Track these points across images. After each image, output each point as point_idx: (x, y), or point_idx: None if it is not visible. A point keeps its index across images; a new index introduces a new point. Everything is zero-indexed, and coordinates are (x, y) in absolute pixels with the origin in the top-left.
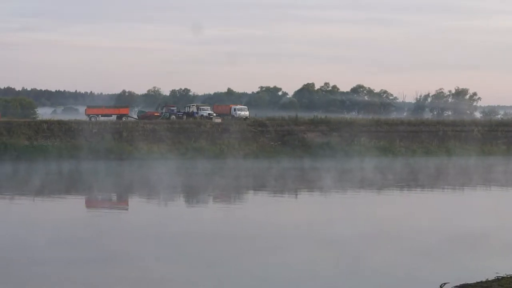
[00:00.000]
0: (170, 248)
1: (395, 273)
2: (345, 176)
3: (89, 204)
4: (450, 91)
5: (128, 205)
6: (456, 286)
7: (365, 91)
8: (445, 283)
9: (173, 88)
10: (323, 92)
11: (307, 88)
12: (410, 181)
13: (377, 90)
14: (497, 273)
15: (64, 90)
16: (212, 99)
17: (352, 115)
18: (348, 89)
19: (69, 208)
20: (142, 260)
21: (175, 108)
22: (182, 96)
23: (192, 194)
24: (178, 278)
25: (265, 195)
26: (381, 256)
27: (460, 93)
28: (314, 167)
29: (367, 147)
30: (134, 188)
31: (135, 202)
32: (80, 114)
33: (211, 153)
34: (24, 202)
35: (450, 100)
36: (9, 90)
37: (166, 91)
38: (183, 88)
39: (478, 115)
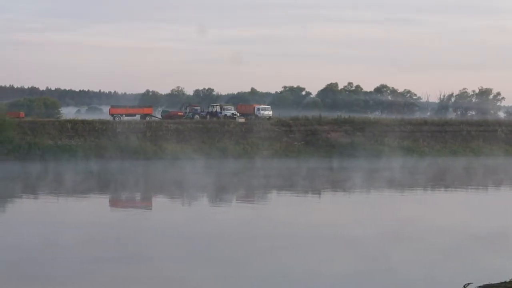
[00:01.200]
0: (195, 247)
1: (418, 273)
2: (371, 176)
3: (114, 204)
4: (473, 91)
5: (151, 205)
6: (480, 286)
7: (388, 91)
8: (468, 283)
9: (197, 88)
10: (347, 92)
11: (331, 88)
12: (437, 181)
13: (400, 90)
14: None
15: (88, 90)
16: (236, 99)
17: (375, 115)
18: (372, 89)
19: (94, 208)
20: (167, 259)
21: (199, 107)
22: (205, 96)
23: (219, 193)
24: (199, 277)
25: (293, 194)
26: (404, 255)
27: (483, 93)
28: (339, 167)
29: (391, 147)
30: (159, 188)
31: (160, 202)
32: (104, 113)
33: (235, 153)
34: (48, 202)
35: (473, 100)
36: (33, 90)
37: (189, 91)
38: (206, 88)
39: (502, 115)
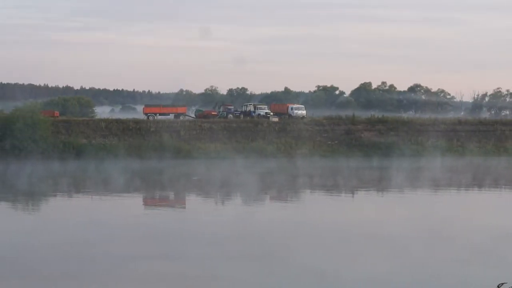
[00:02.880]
0: (227, 247)
1: (452, 273)
2: (408, 175)
3: (149, 203)
4: (508, 91)
5: (186, 204)
6: None
7: (422, 90)
8: (502, 283)
9: (230, 87)
10: (380, 91)
11: (364, 87)
12: (473, 181)
13: (434, 89)
14: None
15: (122, 89)
16: (269, 98)
17: (409, 115)
18: (405, 88)
19: (129, 207)
20: (200, 258)
21: (232, 107)
22: (239, 95)
23: (264, 192)
24: (232, 275)
25: (335, 194)
26: (437, 256)
27: None
28: (374, 166)
29: (425, 147)
30: (204, 187)
31: (198, 201)
32: (138, 113)
33: (268, 152)
34: (83, 200)
35: (508, 99)
36: (67, 89)
37: (223, 90)
38: (240, 87)
39: None
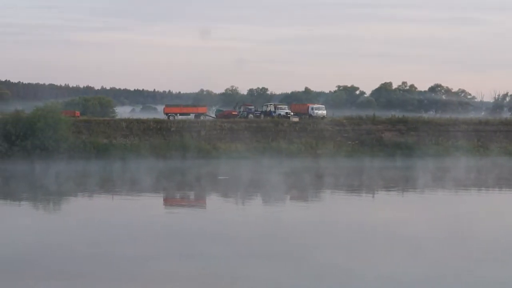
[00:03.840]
0: (250, 246)
1: (476, 274)
2: (431, 175)
3: (178, 202)
4: None
5: (217, 204)
6: None
7: (443, 90)
8: None
9: (251, 87)
10: (401, 91)
11: (385, 87)
12: (497, 180)
13: (455, 89)
14: None
15: (143, 89)
16: (290, 98)
17: (429, 115)
18: (426, 88)
19: (159, 206)
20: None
21: (253, 107)
22: (259, 95)
23: (287, 192)
24: (255, 275)
25: (360, 193)
26: (462, 256)
27: None
28: (396, 166)
29: (445, 147)
30: (232, 187)
31: (229, 200)
32: (158, 113)
33: (289, 152)
34: (104, 200)
35: None
36: (88, 89)
37: (243, 90)
38: (260, 87)
39: None
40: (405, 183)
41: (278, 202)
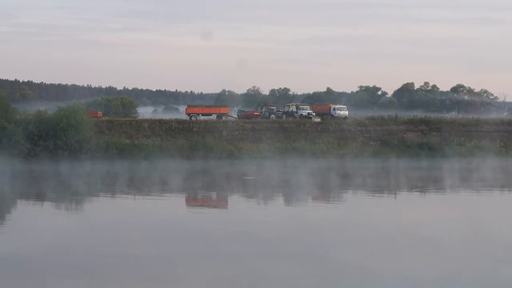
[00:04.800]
0: (273, 247)
1: (496, 274)
2: (455, 176)
3: (200, 203)
4: None
5: (248, 204)
6: None
7: (465, 91)
8: None
9: (273, 88)
10: (423, 92)
11: (407, 88)
12: None
13: (477, 89)
14: None
15: (165, 90)
16: (311, 99)
17: (452, 115)
18: (448, 89)
19: (174, 206)
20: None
21: (275, 107)
22: (281, 96)
23: (314, 192)
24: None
25: (386, 194)
26: (483, 256)
27: None
28: (417, 167)
29: (468, 147)
30: (253, 187)
31: (253, 201)
32: (180, 113)
33: (310, 152)
34: (132, 200)
35: None
36: (110, 90)
37: (265, 91)
38: (282, 88)
39: None
40: (430, 183)
41: (305, 202)
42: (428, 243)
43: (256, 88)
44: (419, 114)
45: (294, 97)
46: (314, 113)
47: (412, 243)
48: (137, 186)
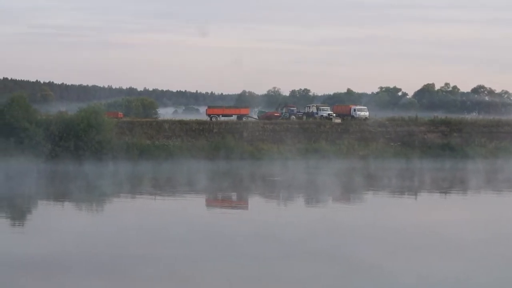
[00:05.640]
0: (295, 246)
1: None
2: (479, 177)
3: (212, 204)
4: None
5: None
6: None
7: (486, 92)
8: None
9: (293, 88)
10: (443, 93)
11: (427, 89)
12: None
13: (498, 90)
14: None
15: (185, 91)
16: (332, 99)
17: (472, 116)
18: (469, 90)
19: (195, 207)
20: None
21: (295, 108)
22: (302, 96)
23: (340, 193)
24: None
25: (402, 195)
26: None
27: None
28: (441, 168)
29: (488, 148)
30: (280, 188)
31: (292, 200)
32: (201, 114)
33: (331, 153)
34: (152, 201)
35: None
36: (131, 90)
37: (286, 91)
38: (303, 88)
39: None
40: (452, 184)
41: (332, 203)
42: (449, 244)
43: (276, 89)
44: (439, 115)
45: (315, 98)
46: (334, 114)
47: (434, 244)
48: (162, 186)
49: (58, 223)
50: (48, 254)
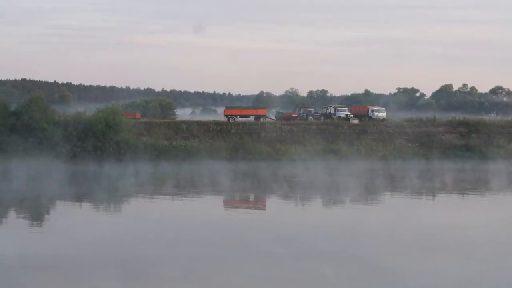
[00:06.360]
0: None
1: None
2: (499, 178)
3: (234, 205)
4: None
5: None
6: None
7: (504, 92)
8: None
9: (311, 89)
10: (461, 93)
11: (445, 89)
12: None
13: None
14: None
15: (203, 91)
16: (349, 100)
17: (490, 117)
18: (487, 90)
19: (211, 207)
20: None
21: (313, 109)
22: (319, 97)
23: (362, 194)
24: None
25: (420, 196)
26: None
27: None
28: (457, 169)
29: (507, 149)
30: (303, 188)
31: (287, 202)
32: (218, 115)
33: (348, 154)
34: (176, 201)
35: None
36: (149, 91)
37: (303, 92)
38: (320, 89)
39: None
40: (472, 185)
41: (353, 204)
42: (467, 244)
43: (294, 90)
44: (457, 116)
45: (332, 99)
46: (352, 115)
47: (452, 245)
48: (185, 187)
49: (80, 223)
50: (68, 254)
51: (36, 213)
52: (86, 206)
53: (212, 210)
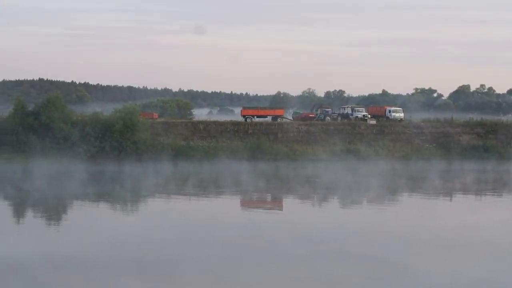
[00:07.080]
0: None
1: None
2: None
3: (247, 205)
4: None
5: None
6: None
7: None
8: None
9: (328, 90)
10: (479, 94)
11: (463, 90)
12: None
13: None
14: None
15: (220, 91)
16: (367, 101)
17: (508, 117)
18: (505, 91)
19: (227, 207)
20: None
21: (330, 109)
22: (336, 97)
23: (383, 194)
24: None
25: (437, 197)
26: None
27: None
28: (475, 169)
29: None
30: (324, 188)
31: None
32: (235, 115)
33: (366, 154)
34: (193, 201)
35: None
36: (166, 91)
37: (320, 93)
38: (337, 90)
39: None
40: (491, 186)
41: (373, 204)
42: (486, 245)
43: (311, 90)
44: (475, 116)
45: (349, 99)
46: (369, 115)
47: (471, 245)
48: (206, 187)
49: (103, 223)
50: (91, 254)
51: (60, 212)
52: (109, 206)
53: (235, 211)
